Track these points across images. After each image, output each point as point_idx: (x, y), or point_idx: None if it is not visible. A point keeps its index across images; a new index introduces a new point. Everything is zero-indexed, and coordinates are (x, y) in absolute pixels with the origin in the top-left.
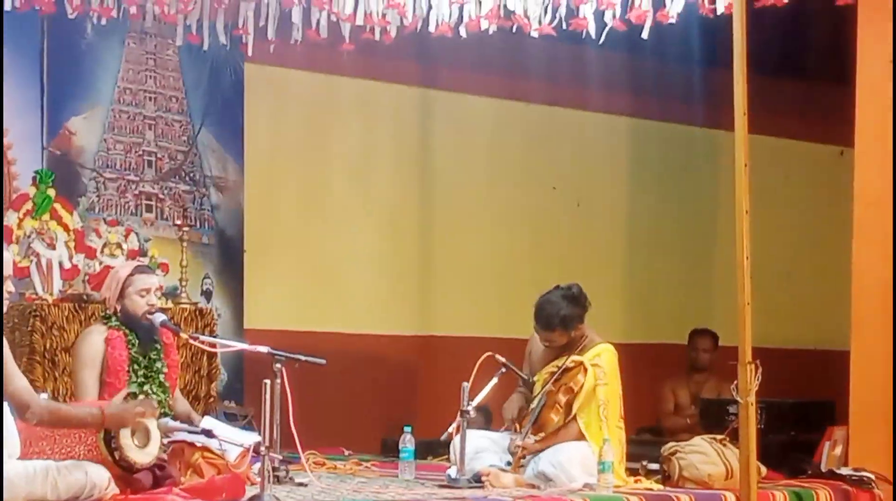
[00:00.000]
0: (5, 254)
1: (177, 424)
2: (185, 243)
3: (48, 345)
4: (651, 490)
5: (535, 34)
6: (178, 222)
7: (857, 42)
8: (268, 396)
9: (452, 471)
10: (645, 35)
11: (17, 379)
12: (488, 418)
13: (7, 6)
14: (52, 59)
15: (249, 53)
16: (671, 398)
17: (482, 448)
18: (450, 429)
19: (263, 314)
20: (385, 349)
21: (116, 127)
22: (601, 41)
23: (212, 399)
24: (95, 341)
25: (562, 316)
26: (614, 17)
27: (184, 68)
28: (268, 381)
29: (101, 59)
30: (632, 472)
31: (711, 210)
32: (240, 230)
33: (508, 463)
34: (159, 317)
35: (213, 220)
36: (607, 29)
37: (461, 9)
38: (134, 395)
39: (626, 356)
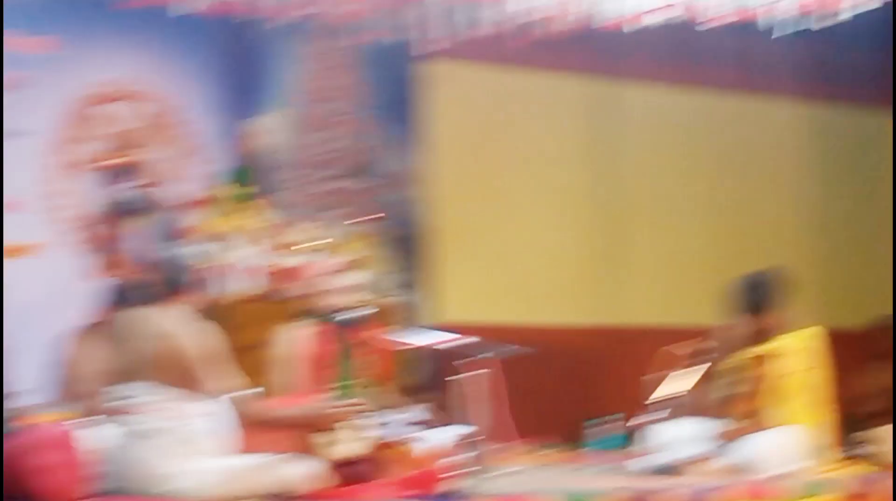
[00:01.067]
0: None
1: (383, 417)
2: (375, 238)
3: (243, 342)
4: (859, 474)
5: (711, 22)
6: (371, 218)
7: None
8: (469, 388)
9: (650, 459)
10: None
11: (220, 378)
12: (685, 407)
13: (196, 9)
14: (240, 60)
15: (432, 48)
16: (878, 383)
17: (681, 437)
18: (647, 417)
19: (458, 306)
20: (578, 339)
21: (305, 125)
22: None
23: (411, 393)
24: (297, 337)
25: (758, 300)
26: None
27: (367, 65)
28: (469, 373)
29: (286, 59)
30: (841, 457)
31: None
32: (429, 224)
33: (710, 451)
34: (359, 312)
35: (401, 214)
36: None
37: None
38: (336, 389)
39: (828, 342)
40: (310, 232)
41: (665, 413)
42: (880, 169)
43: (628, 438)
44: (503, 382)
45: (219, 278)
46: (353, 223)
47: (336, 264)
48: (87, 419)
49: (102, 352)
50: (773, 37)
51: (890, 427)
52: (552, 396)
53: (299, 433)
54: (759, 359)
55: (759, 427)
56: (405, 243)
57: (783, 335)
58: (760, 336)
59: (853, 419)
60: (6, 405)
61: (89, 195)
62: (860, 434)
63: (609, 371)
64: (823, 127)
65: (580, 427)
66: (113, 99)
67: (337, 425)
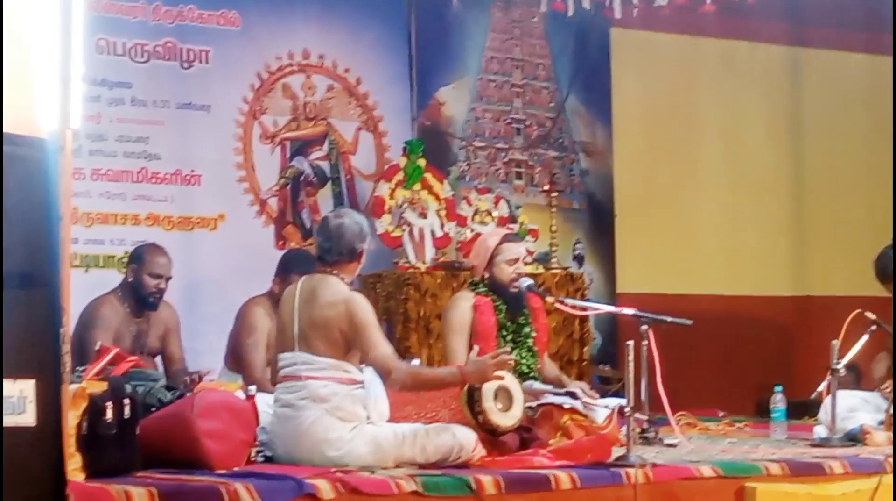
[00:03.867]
0: (378, 224)
1: (542, 386)
2: (554, 209)
3: (422, 312)
4: None
5: None
6: (548, 188)
7: None
8: (632, 357)
9: (821, 430)
10: None
11: (381, 346)
12: (858, 376)
13: None
14: (419, 32)
15: (616, 17)
16: None
17: (854, 407)
18: (819, 388)
19: (635, 277)
20: (759, 310)
21: (484, 96)
22: None
23: (584, 363)
24: (464, 306)
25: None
26: None
27: (549, 35)
28: (631, 342)
29: (467, 30)
30: None
31: None
32: (610, 195)
33: (881, 423)
34: (526, 282)
35: (582, 185)
36: None
37: None
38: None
39: None
40: (487, 203)
41: (842, 382)
42: None
43: (812, 407)
44: (681, 352)
45: (397, 249)
46: (533, 194)
47: (506, 234)
48: (258, 386)
49: (274, 321)
50: None
51: None
52: (738, 366)
53: (454, 400)
54: None
55: None
56: (587, 214)
57: None
58: None
59: None
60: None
61: (273, 167)
62: None
63: (797, 341)
64: None
65: (762, 397)
66: (297, 71)
67: (494, 391)
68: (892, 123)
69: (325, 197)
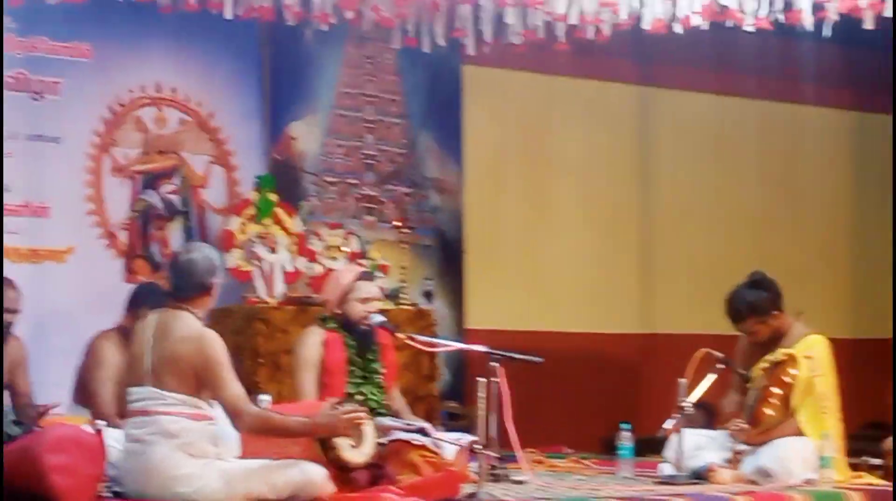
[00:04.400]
0: (228, 258)
1: (393, 422)
2: (405, 246)
3: (271, 348)
4: (873, 485)
5: (750, 29)
6: (399, 225)
7: None
8: (483, 394)
9: (667, 467)
10: (869, 25)
11: (232, 386)
12: (710, 415)
13: (227, 15)
14: (272, 66)
15: (468, 54)
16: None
17: (700, 445)
18: (666, 426)
19: (484, 314)
20: (606, 347)
21: (336, 131)
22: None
23: (432, 399)
24: (313, 342)
25: (748, 303)
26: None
27: (402, 71)
28: (483, 379)
29: (320, 65)
30: (853, 467)
31: None
32: (460, 232)
33: (727, 461)
34: (377, 318)
35: (433, 221)
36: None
37: (675, 5)
38: (351, 396)
39: (850, 351)
40: (338, 239)
41: (689, 420)
42: None
43: (658, 445)
44: (527, 388)
45: (247, 284)
46: (384, 230)
47: (362, 272)
48: (107, 421)
49: (124, 356)
50: (812, 40)
51: None
52: (585, 403)
53: (308, 439)
54: (771, 367)
55: (772, 436)
56: (438, 251)
57: (793, 343)
58: (772, 344)
59: (879, 428)
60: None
61: (124, 200)
62: (885, 443)
63: (643, 379)
64: (856, 136)
65: (609, 434)
66: (149, 104)
67: (345, 432)
68: (738, 163)
69: (175, 231)
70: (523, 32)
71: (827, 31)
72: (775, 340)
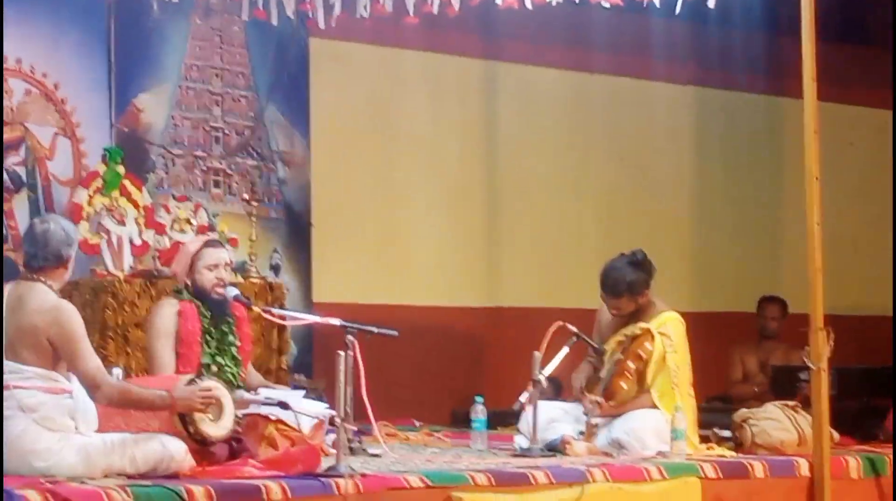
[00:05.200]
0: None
1: (252, 396)
2: (253, 218)
3: (120, 321)
4: (724, 456)
5: (605, 4)
6: (247, 197)
7: None
8: (342, 367)
9: (522, 441)
10: (712, 3)
11: (90, 359)
12: (558, 388)
13: None
14: (119, 38)
15: (317, 27)
16: (740, 366)
17: (554, 418)
18: (521, 399)
19: (331, 287)
20: (453, 320)
21: (184, 104)
22: (671, 10)
23: (282, 373)
24: (168, 313)
25: (628, 282)
26: None
27: (250, 44)
28: (342, 352)
29: (167, 37)
30: (703, 439)
31: (777, 178)
32: (307, 205)
33: (581, 433)
34: (232, 291)
35: (280, 194)
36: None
37: None
38: (207, 367)
39: (695, 325)
40: (186, 212)
41: (543, 393)
42: (772, 153)
43: (508, 418)
44: (377, 362)
45: (95, 257)
46: (232, 203)
47: (208, 240)
48: None
49: None
50: (661, 17)
51: (769, 409)
52: (433, 376)
53: (167, 413)
54: (626, 342)
55: (626, 409)
56: (285, 224)
57: (650, 318)
58: (629, 319)
59: (726, 401)
60: None
61: None
62: (736, 415)
63: (490, 352)
64: (707, 111)
65: (458, 407)
66: None
67: (198, 408)
68: (586, 137)
69: (21, 203)
70: (371, 6)
71: (678, 8)
72: (634, 315)
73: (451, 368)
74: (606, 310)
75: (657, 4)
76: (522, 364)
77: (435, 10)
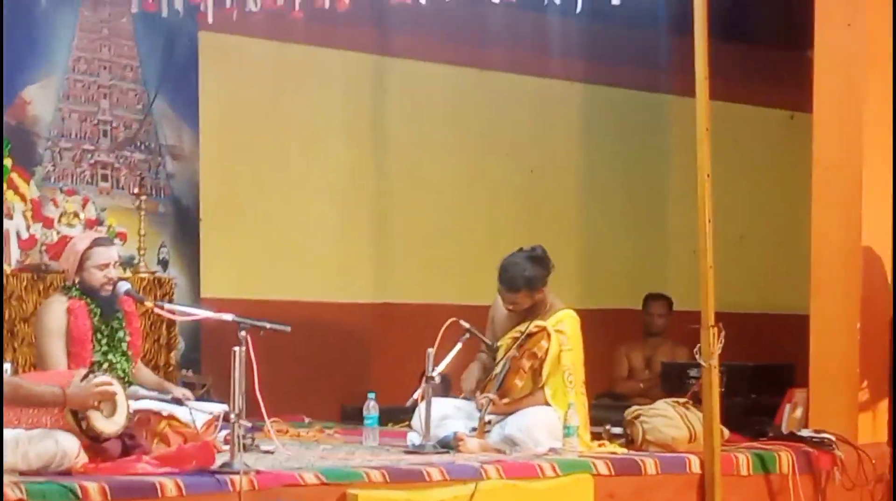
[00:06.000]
0: None
1: (146, 392)
2: (142, 212)
3: (7, 316)
4: (615, 453)
5: (494, 0)
6: (135, 191)
7: (816, 6)
8: (236, 363)
9: (414, 437)
10: (616, 1)
11: None
12: (447, 385)
13: None
14: (6, 28)
15: (207, 21)
16: (625, 363)
17: (447, 415)
18: (414, 396)
19: (220, 282)
20: (342, 316)
21: (71, 96)
22: (568, 7)
23: (171, 368)
24: (57, 310)
25: (526, 277)
26: None
27: (138, 37)
28: (237, 348)
29: (55, 28)
30: (595, 436)
31: (664, 175)
32: (195, 199)
33: (473, 430)
34: (123, 286)
35: (169, 188)
36: None
37: None
38: (98, 364)
39: (582, 322)
40: (74, 205)
41: (435, 390)
42: (660, 150)
43: (399, 414)
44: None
45: None
46: (120, 197)
47: (97, 237)
48: None
49: None
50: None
51: (659, 406)
52: (322, 372)
53: (55, 409)
54: (521, 339)
55: (520, 406)
56: (173, 218)
57: (545, 316)
58: (525, 316)
59: (615, 398)
60: None
61: None
62: (627, 412)
63: (379, 348)
64: (596, 108)
65: (348, 403)
66: None
67: (93, 404)
68: (475, 133)
69: None
70: (261, 0)
71: (578, 7)
72: (530, 311)
73: (341, 364)
74: (501, 305)
75: (556, 2)
76: (412, 361)
77: (326, 4)
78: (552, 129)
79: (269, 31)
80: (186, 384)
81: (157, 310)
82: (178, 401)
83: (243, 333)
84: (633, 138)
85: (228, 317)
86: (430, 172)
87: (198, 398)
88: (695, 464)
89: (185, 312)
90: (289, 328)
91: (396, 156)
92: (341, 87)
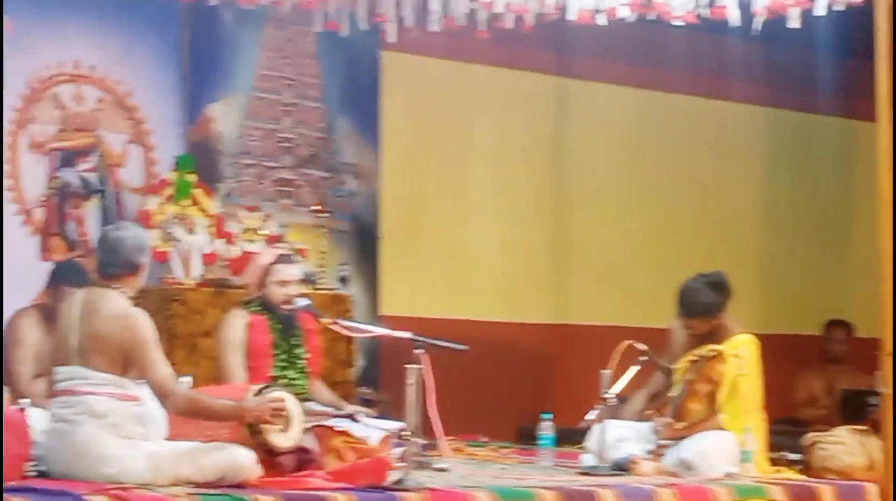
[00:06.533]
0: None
1: (321, 408)
2: (322, 230)
3: (188, 330)
4: (792, 480)
5: (676, 22)
6: (316, 209)
7: None
8: (412, 381)
9: (589, 458)
10: (797, 24)
11: (161, 367)
12: (629, 407)
13: None
14: (192, 46)
15: (389, 41)
16: (806, 389)
17: (622, 437)
18: (588, 417)
19: (398, 301)
20: (520, 336)
21: (254, 114)
22: (746, 30)
23: (348, 386)
24: (238, 324)
25: (705, 304)
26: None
27: (321, 55)
28: (411, 365)
29: (239, 47)
30: (772, 462)
31: (846, 200)
32: (376, 217)
33: (649, 452)
34: (302, 302)
35: (349, 206)
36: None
37: None
38: (275, 379)
39: (762, 347)
40: (256, 221)
41: (611, 412)
42: (841, 174)
43: (574, 436)
44: (443, 376)
45: (164, 265)
46: (301, 214)
47: (280, 254)
48: (31, 401)
49: (46, 334)
50: (735, 37)
51: (838, 433)
52: (499, 392)
53: (232, 423)
54: (699, 362)
55: (696, 430)
56: (354, 236)
57: (724, 340)
58: (703, 339)
59: (794, 424)
60: None
61: (40, 177)
62: (805, 438)
63: (556, 369)
64: (777, 132)
65: (524, 424)
66: (67, 81)
67: (267, 419)
68: (654, 155)
69: (92, 210)
70: (444, 20)
71: (756, 28)
72: (708, 335)
73: (518, 384)
74: (678, 329)
75: (734, 24)
76: (589, 382)
77: (509, 24)
78: (733, 152)
79: (451, 51)
80: (364, 402)
81: (333, 327)
82: (351, 417)
83: (419, 351)
84: (814, 162)
85: (405, 335)
86: (610, 194)
87: (375, 416)
88: (872, 493)
89: (361, 329)
90: (466, 348)
91: (576, 177)
92: (522, 108)
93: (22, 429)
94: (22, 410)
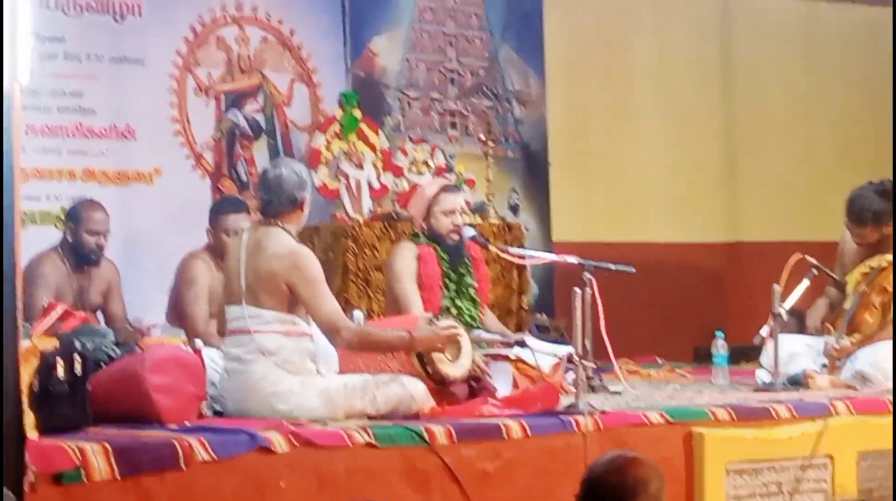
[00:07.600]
0: (315, 176)
1: (489, 336)
2: (490, 159)
3: (361, 264)
4: None
5: None
6: (483, 138)
7: None
8: (579, 305)
9: (763, 375)
10: None
11: (329, 303)
12: (801, 321)
13: None
14: None
15: None
16: None
17: (796, 352)
18: (762, 333)
19: (570, 226)
20: (693, 256)
21: (418, 46)
22: None
23: (523, 312)
24: (408, 256)
25: (874, 211)
26: None
27: None
28: (579, 290)
29: None
30: None
31: None
32: (544, 143)
33: (823, 366)
34: (469, 231)
35: (517, 134)
36: None
37: None
38: (447, 310)
39: None
40: (423, 154)
41: (783, 326)
42: None
43: (750, 353)
44: (617, 300)
45: (335, 202)
46: (468, 144)
47: (444, 184)
48: (203, 340)
49: (215, 275)
50: None
51: None
52: (673, 313)
53: (402, 354)
54: (871, 274)
55: (870, 342)
56: (522, 163)
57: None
58: (874, 250)
59: None
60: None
61: (208, 120)
62: None
63: (730, 287)
64: None
65: (699, 344)
66: (230, 23)
67: (439, 347)
68: (822, 67)
69: (260, 149)
70: None
71: None
72: (878, 245)
73: (691, 304)
74: (849, 239)
75: None
76: (763, 299)
77: None
78: None
79: None
80: (539, 327)
81: (501, 254)
82: (521, 344)
83: (588, 275)
84: None
85: (573, 259)
86: (779, 106)
87: (551, 341)
88: None
89: (528, 255)
90: (633, 269)
91: (742, 90)
92: (684, 23)
93: (197, 370)
94: (198, 351)
